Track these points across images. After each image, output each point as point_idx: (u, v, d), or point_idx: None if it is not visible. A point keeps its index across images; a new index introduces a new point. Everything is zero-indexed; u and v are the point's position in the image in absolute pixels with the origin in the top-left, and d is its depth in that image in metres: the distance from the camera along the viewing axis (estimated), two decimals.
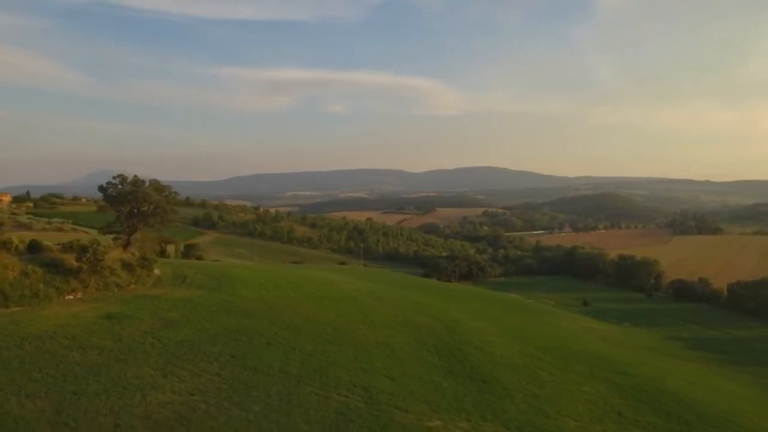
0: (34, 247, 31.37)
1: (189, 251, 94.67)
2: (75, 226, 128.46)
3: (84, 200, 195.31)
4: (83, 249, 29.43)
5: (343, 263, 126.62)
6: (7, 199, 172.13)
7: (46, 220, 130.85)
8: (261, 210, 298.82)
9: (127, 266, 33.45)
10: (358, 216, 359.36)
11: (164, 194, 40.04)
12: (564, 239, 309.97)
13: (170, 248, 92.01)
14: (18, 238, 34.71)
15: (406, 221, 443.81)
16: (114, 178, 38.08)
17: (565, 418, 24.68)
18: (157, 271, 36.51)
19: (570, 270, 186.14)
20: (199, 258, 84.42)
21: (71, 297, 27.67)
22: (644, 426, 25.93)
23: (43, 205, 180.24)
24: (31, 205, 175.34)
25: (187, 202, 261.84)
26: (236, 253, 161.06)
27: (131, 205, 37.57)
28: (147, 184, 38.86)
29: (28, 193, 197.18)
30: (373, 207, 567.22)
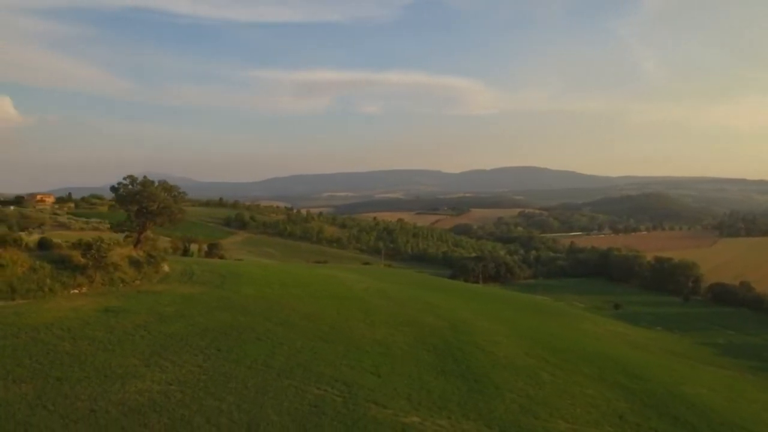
0: (44, 245, 33.25)
1: (212, 250, 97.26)
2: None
3: None
4: (88, 246, 31.00)
5: (367, 263, 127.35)
6: (50, 200, 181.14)
7: (84, 219, 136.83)
8: (294, 210, 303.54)
9: (134, 263, 34.92)
10: (392, 217, 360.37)
11: (173, 194, 41.61)
12: (602, 241, 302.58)
13: (194, 247, 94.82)
14: (37, 236, 36.68)
15: (440, 222, 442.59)
16: (124, 178, 39.90)
17: (556, 419, 24.33)
18: (166, 268, 37.92)
19: (604, 272, 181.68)
20: (221, 257, 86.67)
21: (76, 291, 29.19)
22: (645, 431, 25.36)
23: (84, 205, 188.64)
24: (73, 205, 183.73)
25: (221, 203, 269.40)
26: (265, 252, 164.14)
27: (139, 204, 39.25)
28: (156, 183, 40.53)
29: (69, 194, 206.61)
30: (407, 208, 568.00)
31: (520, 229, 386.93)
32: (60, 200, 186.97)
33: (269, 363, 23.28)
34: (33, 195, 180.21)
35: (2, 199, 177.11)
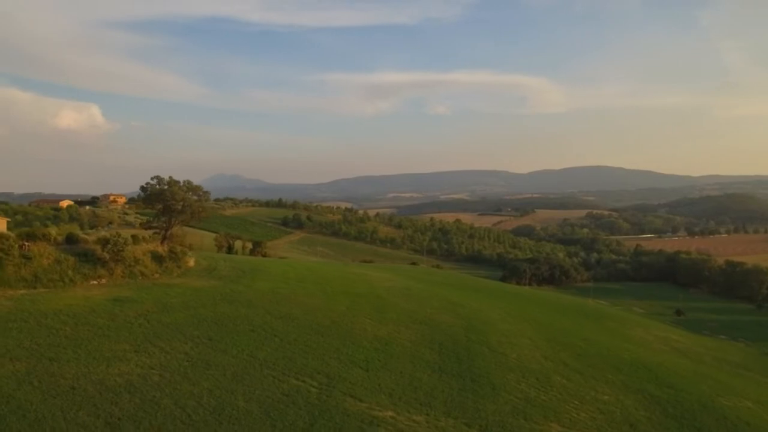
0: (71, 239, 36.10)
1: (255, 248, 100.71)
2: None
3: None
4: (105, 241, 33.39)
5: (413, 263, 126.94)
6: (122, 200, 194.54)
7: (149, 218, 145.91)
8: (358, 211, 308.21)
9: (156, 258, 37.17)
10: (454, 218, 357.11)
11: (197, 193, 43.80)
12: (674, 244, 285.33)
13: (238, 244, 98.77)
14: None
15: (502, 223, 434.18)
16: (152, 178, 42.58)
17: (550, 423, 23.61)
18: (191, 263, 40.00)
19: (670, 277, 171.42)
20: (263, 255, 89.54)
21: (95, 282, 31.55)
22: None
23: None
24: (142, 205, 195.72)
25: (280, 203, 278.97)
26: (317, 251, 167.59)
27: (164, 202, 41.64)
28: (181, 183, 42.87)
29: (139, 195, 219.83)
30: (472, 209, 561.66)
31: (585, 230, 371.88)
32: (131, 200, 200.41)
33: (255, 354, 24.11)
34: (107, 195, 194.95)
35: (79, 199, 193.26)
